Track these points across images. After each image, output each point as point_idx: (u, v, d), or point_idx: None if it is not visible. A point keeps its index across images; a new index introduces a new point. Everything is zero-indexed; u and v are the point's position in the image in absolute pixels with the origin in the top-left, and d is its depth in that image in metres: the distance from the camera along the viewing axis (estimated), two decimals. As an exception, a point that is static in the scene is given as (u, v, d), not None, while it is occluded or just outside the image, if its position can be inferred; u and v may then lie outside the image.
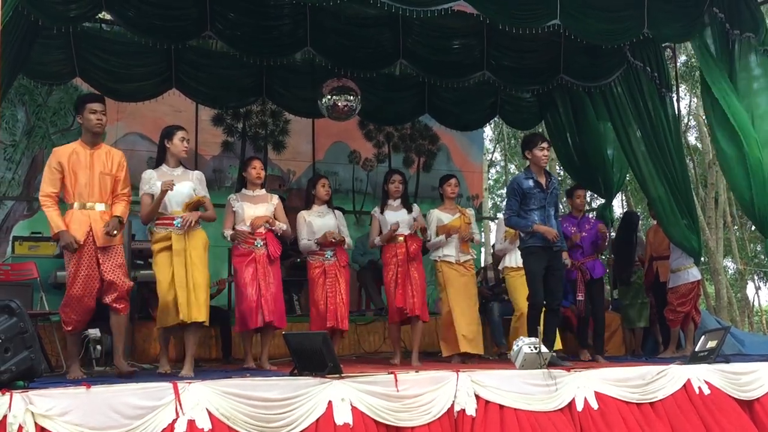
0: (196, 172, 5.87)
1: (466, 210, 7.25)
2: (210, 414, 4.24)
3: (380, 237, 6.82)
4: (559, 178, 19.29)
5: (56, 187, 5.18)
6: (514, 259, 7.34)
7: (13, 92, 8.51)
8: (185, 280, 5.42)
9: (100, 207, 5.25)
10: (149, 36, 7.28)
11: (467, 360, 6.75)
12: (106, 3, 6.79)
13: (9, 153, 8.92)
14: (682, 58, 13.53)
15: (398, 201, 6.94)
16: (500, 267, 7.81)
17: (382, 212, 6.91)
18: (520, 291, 7.11)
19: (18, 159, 8.98)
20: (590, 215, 8.17)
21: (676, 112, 8.42)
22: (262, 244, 6.04)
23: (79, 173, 5.20)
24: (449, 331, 6.90)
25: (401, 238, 6.77)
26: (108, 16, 7.50)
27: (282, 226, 6.18)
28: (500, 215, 7.73)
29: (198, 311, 5.41)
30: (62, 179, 5.19)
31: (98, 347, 6.14)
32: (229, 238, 6.16)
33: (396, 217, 6.80)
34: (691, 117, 19.11)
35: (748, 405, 5.92)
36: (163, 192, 5.42)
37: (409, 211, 6.89)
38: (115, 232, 5.17)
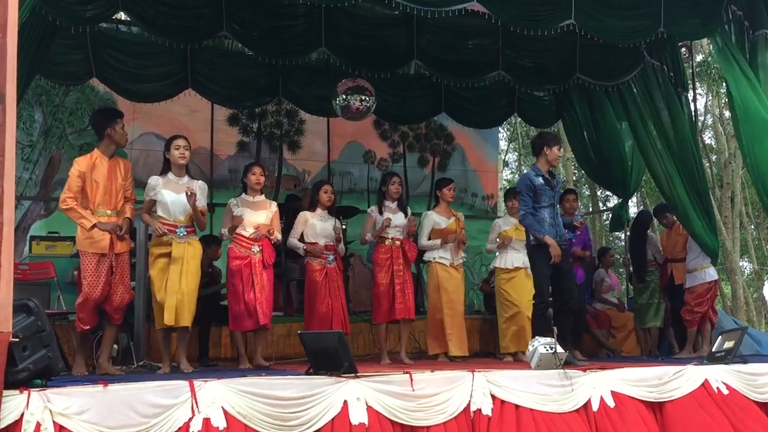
0: (199, 182, 6.09)
1: (459, 213, 7.39)
2: (225, 412, 4.26)
3: (372, 232, 6.95)
4: (574, 178, 19.27)
5: (77, 193, 5.47)
6: (505, 261, 7.37)
7: (31, 93, 8.56)
8: (178, 287, 5.68)
9: (114, 215, 5.58)
10: (165, 36, 7.31)
11: (453, 360, 6.89)
12: (123, 3, 6.83)
13: (26, 153, 8.97)
14: (699, 57, 13.45)
15: (395, 203, 7.04)
16: (491, 267, 7.80)
17: (380, 213, 6.98)
18: (509, 292, 7.26)
19: (35, 159, 9.04)
20: (579, 219, 7.95)
21: (692, 112, 8.37)
22: (258, 250, 6.27)
23: (100, 183, 5.50)
24: (439, 330, 7.05)
25: (398, 242, 6.89)
26: (125, 17, 7.55)
27: (278, 236, 6.47)
28: (497, 220, 7.76)
29: (187, 318, 5.73)
30: (82, 187, 5.48)
31: (115, 346, 6.20)
32: (227, 234, 6.36)
33: (393, 219, 6.92)
34: (708, 116, 18.96)
35: (765, 407, 5.83)
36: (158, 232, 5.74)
37: (405, 214, 7.01)
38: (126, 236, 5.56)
